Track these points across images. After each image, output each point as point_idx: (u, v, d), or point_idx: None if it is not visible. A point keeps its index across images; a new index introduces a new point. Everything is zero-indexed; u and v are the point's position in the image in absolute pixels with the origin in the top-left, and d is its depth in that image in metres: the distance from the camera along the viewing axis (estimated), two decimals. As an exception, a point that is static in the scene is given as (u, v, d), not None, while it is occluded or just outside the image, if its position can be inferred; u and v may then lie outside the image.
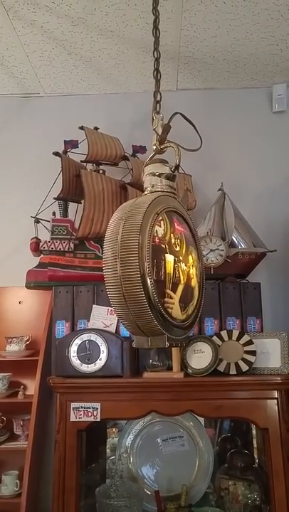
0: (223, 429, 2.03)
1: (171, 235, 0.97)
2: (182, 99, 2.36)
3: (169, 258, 0.94)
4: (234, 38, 2.03)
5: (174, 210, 1.01)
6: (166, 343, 0.91)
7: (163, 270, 0.92)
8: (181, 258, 0.98)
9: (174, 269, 0.95)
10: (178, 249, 0.98)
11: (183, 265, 0.98)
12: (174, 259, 0.95)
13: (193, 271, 1.02)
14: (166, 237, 0.96)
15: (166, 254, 0.94)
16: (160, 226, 0.94)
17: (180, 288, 0.96)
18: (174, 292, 0.94)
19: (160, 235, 0.94)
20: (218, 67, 2.25)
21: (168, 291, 0.92)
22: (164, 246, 0.94)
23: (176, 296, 0.95)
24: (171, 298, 0.93)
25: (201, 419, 1.85)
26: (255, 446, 1.91)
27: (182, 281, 0.97)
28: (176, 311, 0.94)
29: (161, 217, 0.95)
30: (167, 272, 0.93)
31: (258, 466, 1.83)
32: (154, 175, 1.07)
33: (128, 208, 0.95)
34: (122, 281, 0.89)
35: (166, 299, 0.92)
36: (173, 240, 0.97)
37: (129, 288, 0.88)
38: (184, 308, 0.98)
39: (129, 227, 0.90)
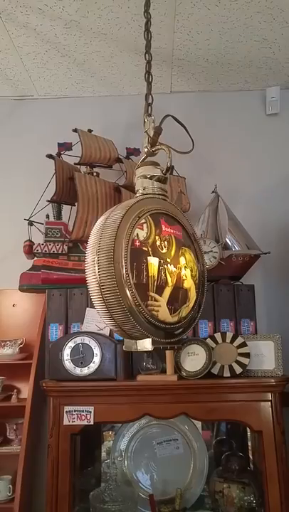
0: (221, 431, 2.03)
1: (156, 237, 0.97)
2: (176, 101, 2.37)
3: (152, 261, 0.94)
4: (227, 41, 2.03)
5: (162, 212, 1.01)
6: (151, 347, 0.90)
7: (145, 273, 0.91)
8: (168, 260, 0.97)
9: (159, 271, 0.94)
10: (164, 251, 0.98)
11: (171, 267, 0.97)
12: (159, 262, 0.95)
13: (187, 272, 1.01)
14: (150, 240, 0.95)
15: (148, 257, 0.93)
16: (142, 229, 0.94)
17: (167, 290, 0.95)
18: (160, 295, 0.94)
19: (141, 238, 0.94)
20: (212, 70, 2.25)
21: (152, 293, 0.92)
22: (146, 249, 0.94)
23: (163, 299, 0.94)
24: (156, 301, 0.92)
25: (198, 422, 1.84)
26: (251, 448, 1.91)
27: (170, 284, 0.96)
28: (163, 314, 0.94)
29: (144, 220, 0.95)
30: (150, 274, 0.92)
31: (253, 468, 1.82)
32: (145, 177, 1.07)
33: (108, 214, 0.96)
34: (100, 287, 0.89)
35: (149, 302, 0.91)
36: (158, 242, 0.97)
37: (107, 293, 0.89)
38: (175, 310, 0.97)
39: (106, 233, 0.91)
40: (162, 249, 0.97)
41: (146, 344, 0.91)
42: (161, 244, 0.97)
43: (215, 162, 2.32)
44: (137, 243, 0.92)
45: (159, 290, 0.94)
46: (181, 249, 1.02)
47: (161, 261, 0.95)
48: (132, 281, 0.88)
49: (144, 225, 0.95)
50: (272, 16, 1.87)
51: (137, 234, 0.93)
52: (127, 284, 0.87)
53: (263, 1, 1.80)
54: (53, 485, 1.54)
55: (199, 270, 1.05)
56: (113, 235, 0.90)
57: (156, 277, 0.93)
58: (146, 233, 0.95)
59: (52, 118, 2.40)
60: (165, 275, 0.95)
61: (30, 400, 1.84)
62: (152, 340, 0.91)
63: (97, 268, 0.90)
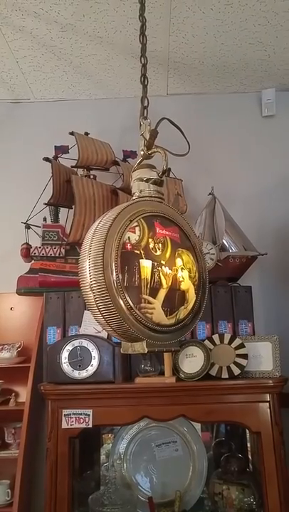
0: (220, 433, 2.03)
1: (150, 239, 0.97)
2: (172, 104, 2.38)
3: (145, 263, 0.94)
4: (222, 44, 2.05)
5: (157, 214, 1.01)
6: (146, 349, 0.91)
7: (137, 276, 0.92)
8: (163, 262, 0.97)
9: (153, 273, 0.94)
10: (158, 253, 0.98)
11: (166, 269, 0.97)
12: (153, 264, 0.95)
13: (184, 274, 1.01)
14: (142, 243, 0.96)
15: (140, 260, 0.94)
16: (134, 232, 0.95)
17: (162, 292, 0.95)
18: (154, 297, 0.94)
19: (133, 241, 0.94)
20: (208, 73, 2.27)
21: (144, 296, 0.92)
22: (138, 252, 0.94)
23: (157, 301, 0.94)
24: (149, 303, 0.93)
25: (197, 424, 1.84)
26: (250, 449, 1.91)
27: (165, 286, 0.96)
28: (158, 316, 0.94)
29: (136, 224, 0.96)
30: (143, 277, 0.93)
31: (253, 469, 1.82)
32: (141, 180, 1.07)
33: (101, 218, 0.97)
34: (92, 292, 0.90)
35: (142, 305, 0.91)
36: (151, 245, 0.97)
37: (99, 297, 0.89)
38: (171, 312, 0.97)
39: (96, 238, 0.92)
40: (156, 251, 0.97)
41: (141, 347, 0.91)
42: (154, 246, 0.97)
43: (211, 164, 2.33)
44: (129, 246, 0.93)
45: (153, 292, 0.94)
46: (177, 250, 1.02)
47: (155, 263, 0.96)
48: (122, 285, 0.88)
49: (137, 228, 0.96)
50: (266, 19, 1.89)
51: (129, 237, 0.93)
52: (118, 287, 0.88)
53: (258, 5, 1.81)
54: (52, 489, 1.53)
55: (199, 271, 1.05)
56: (102, 239, 0.91)
57: (149, 280, 0.93)
58: (139, 236, 0.96)
59: (48, 121, 2.41)
60: (159, 277, 0.95)
61: (29, 403, 1.84)
62: (147, 343, 0.91)
63: (88, 272, 0.91)
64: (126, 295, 0.88)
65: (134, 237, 0.95)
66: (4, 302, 2.14)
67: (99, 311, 0.91)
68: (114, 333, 0.93)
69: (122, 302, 0.88)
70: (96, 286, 0.89)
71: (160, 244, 0.98)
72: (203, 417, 1.59)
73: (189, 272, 1.02)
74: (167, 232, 1.01)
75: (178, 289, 0.99)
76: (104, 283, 0.88)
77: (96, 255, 0.90)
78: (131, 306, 0.89)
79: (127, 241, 0.93)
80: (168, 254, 0.99)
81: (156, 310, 0.93)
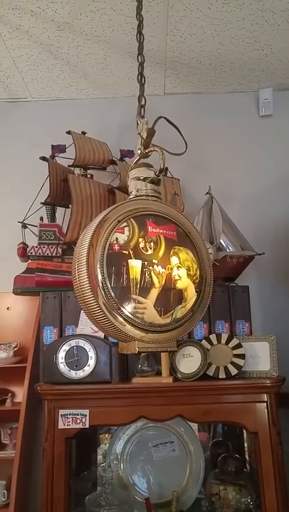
0: (217, 433, 2.02)
1: (140, 239, 0.96)
2: (170, 103, 2.38)
3: (134, 263, 0.94)
4: (220, 43, 2.04)
5: (150, 213, 1.01)
6: (136, 349, 0.90)
7: (125, 276, 0.91)
8: (155, 261, 0.97)
9: (143, 273, 0.94)
10: (150, 252, 0.97)
11: (158, 268, 0.96)
12: (143, 264, 0.95)
13: (181, 272, 1.00)
14: (132, 243, 0.95)
15: (129, 260, 0.94)
16: (122, 233, 0.95)
17: (154, 292, 0.95)
18: (145, 297, 0.93)
19: (121, 242, 0.94)
20: (205, 72, 2.26)
21: (134, 296, 0.92)
22: (126, 252, 0.94)
23: (149, 301, 0.94)
24: (140, 303, 0.92)
25: (194, 424, 1.84)
26: (247, 450, 1.90)
27: (157, 285, 0.95)
28: (150, 316, 0.93)
29: (125, 224, 0.96)
30: (131, 277, 0.92)
31: (250, 469, 1.82)
32: (138, 179, 1.07)
33: (93, 219, 0.98)
34: (82, 293, 0.91)
35: (132, 305, 0.91)
36: (142, 244, 0.96)
37: (88, 299, 0.90)
38: (166, 311, 0.96)
39: (84, 239, 0.93)
40: (147, 250, 0.97)
41: (133, 347, 0.91)
42: (145, 245, 0.97)
43: (209, 163, 2.33)
44: (116, 247, 0.93)
45: (144, 292, 0.93)
46: (173, 248, 1.01)
47: (146, 263, 0.95)
48: (109, 285, 0.89)
49: (126, 229, 0.96)
50: (264, 18, 1.89)
51: (116, 238, 0.94)
52: (104, 288, 0.88)
53: (255, 4, 1.81)
54: (48, 489, 1.52)
55: (201, 269, 1.03)
56: (88, 241, 0.91)
57: (139, 279, 0.93)
58: (128, 236, 0.95)
59: (45, 120, 2.40)
60: (150, 277, 0.95)
61: (25, 403, 1.83)
62: (138, 343, 0.90)
63: (77, 274, 0.91)
64: (112, 296, 0.88)
65: (122, 237, 0.95)
66: (1, 302, 2.13)
67: (90, 312, 0.90)
68: (108, 333, 0.93)
69: (108, 302, 0.88)
70: (84, 287, 0.90)
71: (152, 243, 0.97)
72: (201, 417, 1.59)
73: (188, 269, 1.01)
74: (161, 231, 1.00)
75: (173, 288, 0.98)
76: (89, 284, 0.89)
77: (84, 257, 0.90)
78: (118, 307, 0.88)
79: (115, 242, 0.93)
80: (161, 253, 0.98)
81: (147, 310, 0.92)
